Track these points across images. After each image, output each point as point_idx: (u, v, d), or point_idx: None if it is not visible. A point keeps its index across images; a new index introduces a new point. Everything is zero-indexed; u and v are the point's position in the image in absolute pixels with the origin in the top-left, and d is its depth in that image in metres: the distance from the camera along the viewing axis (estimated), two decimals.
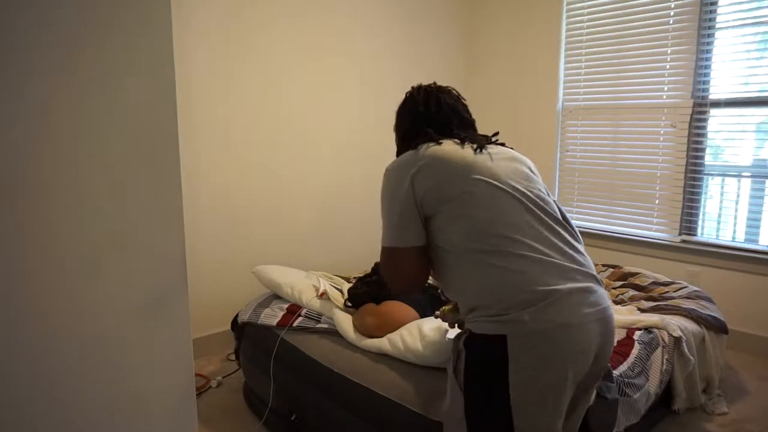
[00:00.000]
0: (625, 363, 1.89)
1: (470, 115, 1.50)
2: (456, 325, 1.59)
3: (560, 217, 1.35)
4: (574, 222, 1.40)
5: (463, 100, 1.51)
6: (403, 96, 1.54)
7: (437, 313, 1.62)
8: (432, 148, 1.32)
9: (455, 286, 1.33)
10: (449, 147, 1.32)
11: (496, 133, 1.48)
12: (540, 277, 1.21)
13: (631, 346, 1.98)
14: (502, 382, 1.18)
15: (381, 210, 1.37)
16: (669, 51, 3.20)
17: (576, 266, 1.26)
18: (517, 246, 1.23)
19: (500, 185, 1.28)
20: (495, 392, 1.19)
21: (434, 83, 1.52)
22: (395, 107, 1.55)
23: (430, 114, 1.43)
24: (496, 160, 1.33)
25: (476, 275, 1.24)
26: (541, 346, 1.18)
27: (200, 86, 2.83)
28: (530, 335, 1.17)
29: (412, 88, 1.52)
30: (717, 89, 3.08)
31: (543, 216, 1.29)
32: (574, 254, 1.29)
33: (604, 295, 1.29)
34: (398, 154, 1.46)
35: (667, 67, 3.22)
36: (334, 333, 2.11)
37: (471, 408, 1.22)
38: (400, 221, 1.31)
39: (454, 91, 1.51)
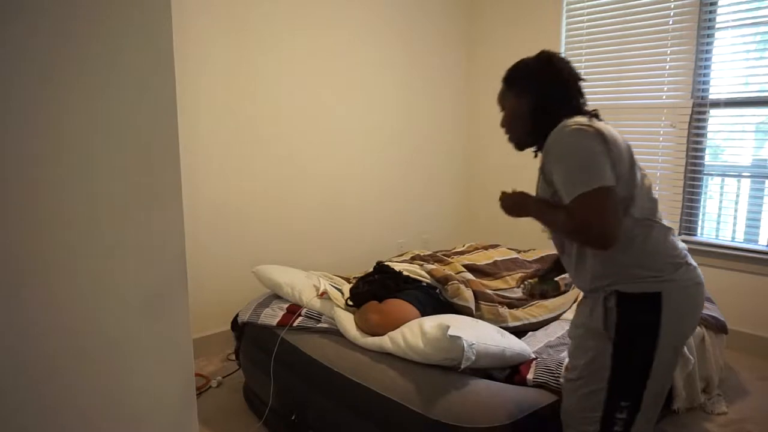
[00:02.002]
0: None
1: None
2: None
3: None
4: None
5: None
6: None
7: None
8: (602, 125, 1.41)
9: (617, 248, 1.36)
10: (606, 126, 1.42)
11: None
12: (674, 243, 1.46)
13: None
14: (651, 331, 1.39)
15: (567, 165, 1.36)
16: (669, 51, 3.20)
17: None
18: (657, 216, 1.46)
19: (639, 170, 1.46)
20: (644, 340, 1.40)
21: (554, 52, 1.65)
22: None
23: (574, 83, 1.55)
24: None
25: (643, 241, 1.41)
26: (685, 301, 1.43)
27: (200, 85, 2.84)
28: (678, 292, 1.41)
29: (548, 53, 1.64)
30: (717, 89, 3.08)
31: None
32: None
33: None
34: (537, 117, 1.51)
35: (667, 67, 3.22)
36: (334, 332, 2.11)
37: (618, 355, 1.41)
38: (601, 162, 1.32)
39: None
